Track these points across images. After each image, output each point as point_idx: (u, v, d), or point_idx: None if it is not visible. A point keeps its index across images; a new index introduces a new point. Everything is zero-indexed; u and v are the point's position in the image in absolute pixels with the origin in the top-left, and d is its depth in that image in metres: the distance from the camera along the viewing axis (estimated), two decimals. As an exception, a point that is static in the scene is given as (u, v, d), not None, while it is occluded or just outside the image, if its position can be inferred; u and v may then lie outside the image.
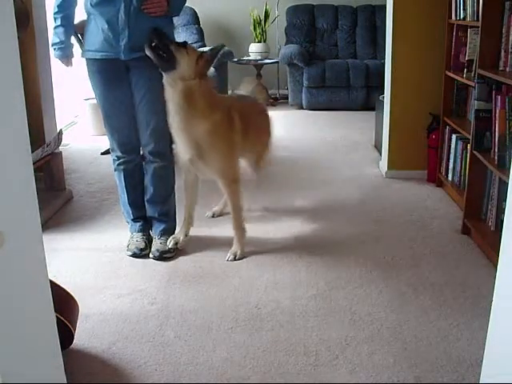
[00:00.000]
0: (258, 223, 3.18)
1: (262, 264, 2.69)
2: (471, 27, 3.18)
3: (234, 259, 2.72)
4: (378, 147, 4.53)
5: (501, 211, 2.68)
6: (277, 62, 6.55)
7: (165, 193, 2.81)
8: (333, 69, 6.16)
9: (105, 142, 4.92)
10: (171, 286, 2.50)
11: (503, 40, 2.65)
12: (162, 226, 2.83)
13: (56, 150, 3.54)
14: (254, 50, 6.66)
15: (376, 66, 6.10)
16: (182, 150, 2.64)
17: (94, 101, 5.17)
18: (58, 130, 3.63)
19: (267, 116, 3.17)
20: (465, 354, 1.98)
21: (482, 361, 1.45)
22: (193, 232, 3.03)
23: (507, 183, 1.36)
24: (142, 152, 2.82)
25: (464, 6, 3.19)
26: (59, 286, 1.94)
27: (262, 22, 6.66)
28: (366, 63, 6.27)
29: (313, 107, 6.24)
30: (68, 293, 2.00)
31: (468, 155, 3.06)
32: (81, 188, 3.80)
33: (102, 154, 4.63)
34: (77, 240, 2.99)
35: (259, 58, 6.62)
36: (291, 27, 6.64)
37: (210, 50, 2.57)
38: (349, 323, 2.19)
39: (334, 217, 3.26)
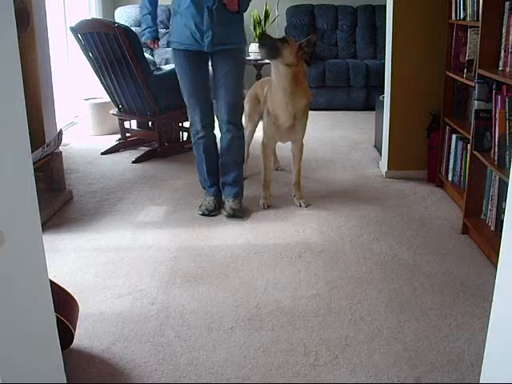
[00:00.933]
0: (258, 223, 3.18)
1: (262, 264, 2.69)
2: (471, 27, 3.18)
3: (300, 205, 3.43)
4: (378, 147, 4.53)
5: (501, 211, 2.68)
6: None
7: (238, 160, 3.33)
8: (333, 69, 6.17)
9: (105, 142, 4.94)
10: (171, 286, 2.50)
11: (503, 40, 2.65)
12: (235, 190, 3.31)
13: (56, 150, 3.54)
14: (254, 49, 6.65)
15: (376, 66, 6.10)
16: (286, 120, 3.26)
17: (94, 101, 5.26)
18: (57, 130, 3.63)
19: None
20: (465, 354, 1.99)
21: (482, 361, 1.45)
22: (193, 232, 3.04)
23: (507, 183, 1.36)
24: (217, 125, 3.32)
25: (464, 6, 3.19)
26: (59, 286, 1.94)
27: (262, 22, 6.66)
28: (366, 63, 6.27)
29: (313, 107, 6.20)
30: (68, 293, 2.00)
31: (468, 155, 3.06)
32: (81, 188, 3.80)
33: (102, 154, 4.63)
34: (77, 240, 2.99)
35: (259, 58, 6.62)
36: (291, 27, 6.64)
37: (306, 40, 3.17)
38: (349, 323, 2.19)
39: (334, 217, 3.26)
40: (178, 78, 3.22)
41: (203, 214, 3.28)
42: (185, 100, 3.25)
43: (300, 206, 3.42)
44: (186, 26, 3.05)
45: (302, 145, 3.47)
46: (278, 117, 3.27)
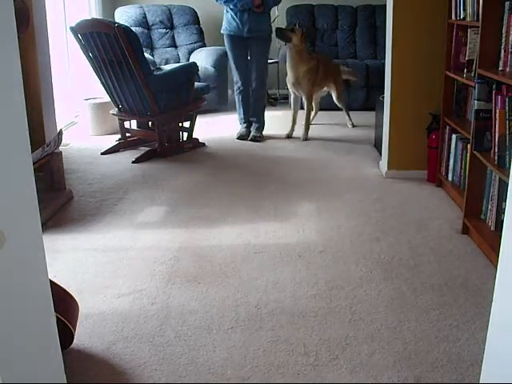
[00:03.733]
0: (258, 223, 3.18)
1: (262, 264, 2.69)
2: (471, 27, 3.18)
3: (303, 140, 5.07)
4: (378, 147, 4.53)
5: (501, 211, 2.68)
6: (277, 62, 6.55)
7: (261, 105, 5.19)
8: (333, 69, 6.15)
9: (105, 142, 4.94)
10: (171, 286, 2.50)
11: (503, 40, 2.64)
12: (257, 125, 5.16)
13: (56, 150, 3.53)
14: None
15: (376, 66, 6.09)
16: (291, 79, 5.10)
17: (94, 101, 5.27)
18: (57, 130, 3.63)
19: (339, 70, 5.60)
20: (465, 354, 1.99)
21: (482, 361, 1.45)
22: (193, 232, 3.04)
23: (507, 183, 1.36)
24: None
25: (464, 6, 3.19)
26: (59, 286, 1.94)
27: (262, 22, 6.65)
28: (366, 63, 6.26)
29: (313, 107, 6.22)
30: (68, 293, 2.00)
31: (468, 155, 3.06)
32: (81, 188, 3.80)
33: (102, 154, 4.63)
34: (77, 240, 2.99)
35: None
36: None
37: (306, 29, 5.20)
38: (349, 323, 2.19)
39: (334, 217, 3.26)
40: (228, 54, 5.09)
41: (238, 138, 5.10)
42: (232, 68, 5.11)
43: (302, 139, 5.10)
44: (233, 20, 4.87)
45: (309, 98, 5.11)
46: (289, 74, 5.11)
